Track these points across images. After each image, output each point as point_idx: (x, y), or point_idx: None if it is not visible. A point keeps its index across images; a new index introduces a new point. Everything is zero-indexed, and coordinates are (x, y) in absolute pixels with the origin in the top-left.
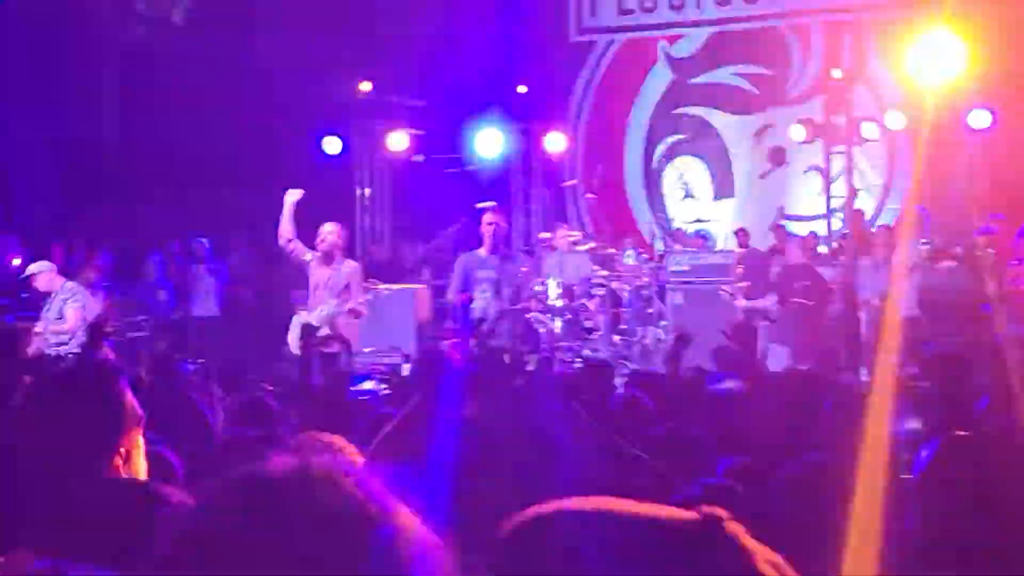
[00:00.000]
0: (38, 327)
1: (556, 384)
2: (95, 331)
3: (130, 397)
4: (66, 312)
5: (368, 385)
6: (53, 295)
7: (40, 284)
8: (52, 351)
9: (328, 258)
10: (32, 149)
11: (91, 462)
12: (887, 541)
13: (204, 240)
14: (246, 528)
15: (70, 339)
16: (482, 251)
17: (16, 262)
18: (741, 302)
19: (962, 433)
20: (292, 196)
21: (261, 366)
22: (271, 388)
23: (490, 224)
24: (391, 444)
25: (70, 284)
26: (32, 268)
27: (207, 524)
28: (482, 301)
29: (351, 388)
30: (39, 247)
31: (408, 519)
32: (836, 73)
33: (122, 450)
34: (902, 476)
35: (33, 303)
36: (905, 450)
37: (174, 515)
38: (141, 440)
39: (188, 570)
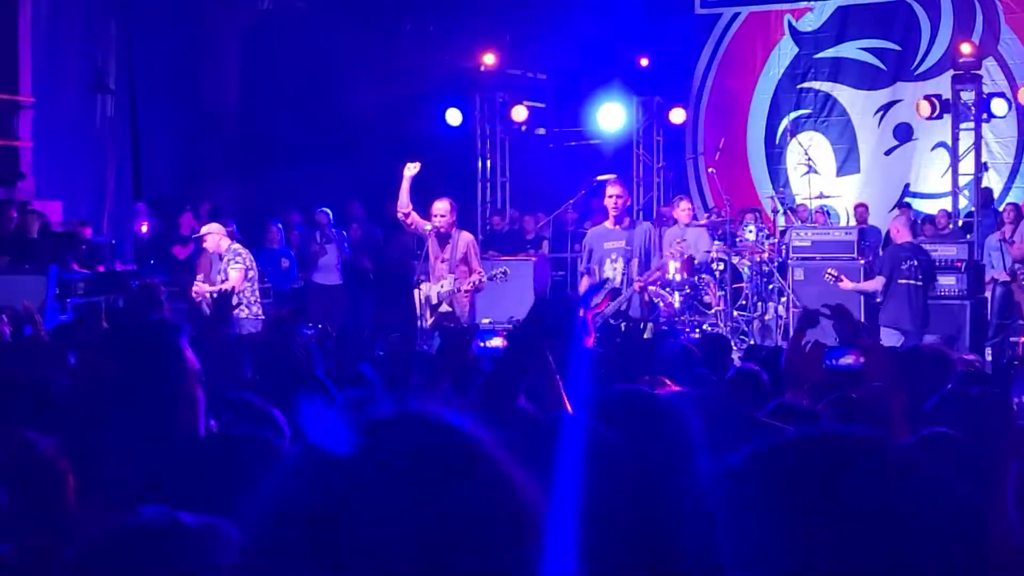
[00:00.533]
0: (199, 287)
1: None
2: (223, 302)
3: (190, 354)
4: (229, 272)
5: (496, 342)
6: (221, 257)
7: (209, 244)
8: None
9: (443, 237)
10: (159, 120)
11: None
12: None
13: (327, 210)
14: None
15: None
16: (608, 223)
17: (144, 229)
18: (845, 284)
19: None
20: (411, 170)
21: (379, 334)
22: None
23: (611, 196)
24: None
25: (235, 246)
26: (204, 229)
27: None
28: (612, 271)
29: (480, 343)
30: (167, 215)
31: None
32: (965, 48)
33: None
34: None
35: (161, 268)
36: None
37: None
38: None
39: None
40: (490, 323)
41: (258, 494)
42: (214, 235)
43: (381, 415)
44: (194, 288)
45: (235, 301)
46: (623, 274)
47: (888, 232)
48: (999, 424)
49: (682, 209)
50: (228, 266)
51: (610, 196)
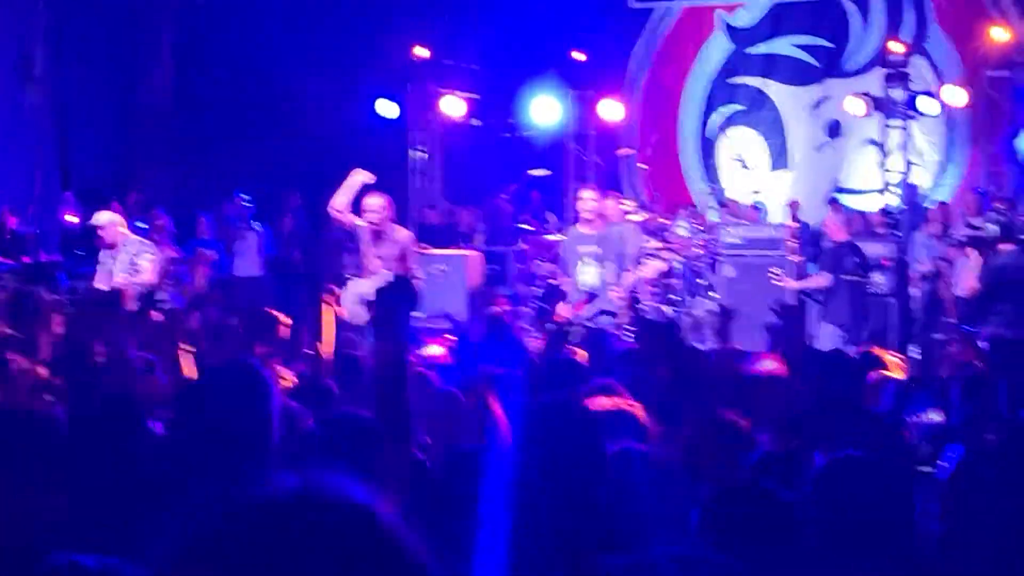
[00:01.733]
0: (108, 280)
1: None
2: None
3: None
4: (141, 264)
5: (435, 350)
6: (118, 248)
7: (106, 236)
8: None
9: (378, 234)
10: (88, 108)
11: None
12: (911, 540)
13: (246, 198)
14: None
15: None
16: (580, 226)
17: (72, 219)
18: (789, 283)
19: (990, 437)
20: (360, 177)
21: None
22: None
23: (583, 200)
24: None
25: (135, 237)
26: (100, 218)
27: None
28: (584, 275)
29: (416, 351)
30: (95, 205)
31: None
32: (895, 46)
33: None
34: (922, 470)
35: (88, 260)
36: (928, 442)
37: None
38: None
39: None
40: (424, 317)
41: (166, 535)
42: (112, 226)
43: (277, 494)
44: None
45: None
46: (598, 277)
47: (822, 228)
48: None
49: (609, 206)
50: (138, 258)
51: (583, 200)
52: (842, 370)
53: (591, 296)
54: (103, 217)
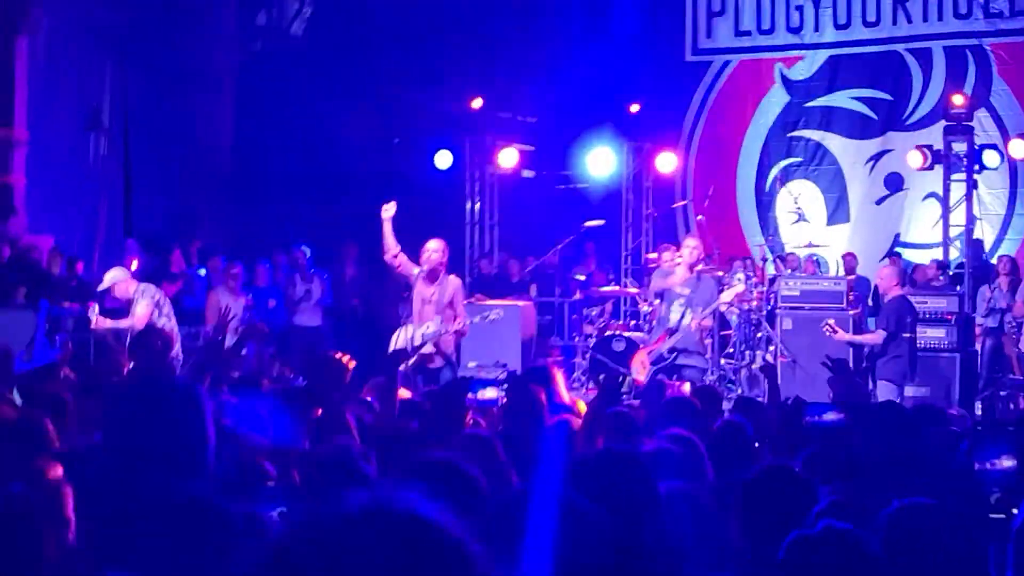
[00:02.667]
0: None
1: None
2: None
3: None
4: (135, 309)
5: (490, 393)
6: (135, 299)
7: (118, 293)
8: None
9: (432, 275)
10: (151, 158)
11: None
12: None
13: (306, 249)
14: None
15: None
16: (681, 270)
17: (134, 266)
18: (842, 336)
19: None
20: (387, 212)
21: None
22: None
23: (688, 248)
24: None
25: (143, 286)
26: (108, 278)
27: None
28: (677, 313)
29: (470, 395)
30: (157, 252)
31: None
32: (957, 99)
33: None
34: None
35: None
36: (1000, 489)
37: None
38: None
39: None
40: (476, 366)
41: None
42: (120, 283)
43: (350, 510)
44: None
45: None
46: (679, 319)
47: (876, 283)
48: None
49: (665, 259)
50: (136, 305)
51: (687, 246)
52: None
53: (670, 332)
54: (108, 277)
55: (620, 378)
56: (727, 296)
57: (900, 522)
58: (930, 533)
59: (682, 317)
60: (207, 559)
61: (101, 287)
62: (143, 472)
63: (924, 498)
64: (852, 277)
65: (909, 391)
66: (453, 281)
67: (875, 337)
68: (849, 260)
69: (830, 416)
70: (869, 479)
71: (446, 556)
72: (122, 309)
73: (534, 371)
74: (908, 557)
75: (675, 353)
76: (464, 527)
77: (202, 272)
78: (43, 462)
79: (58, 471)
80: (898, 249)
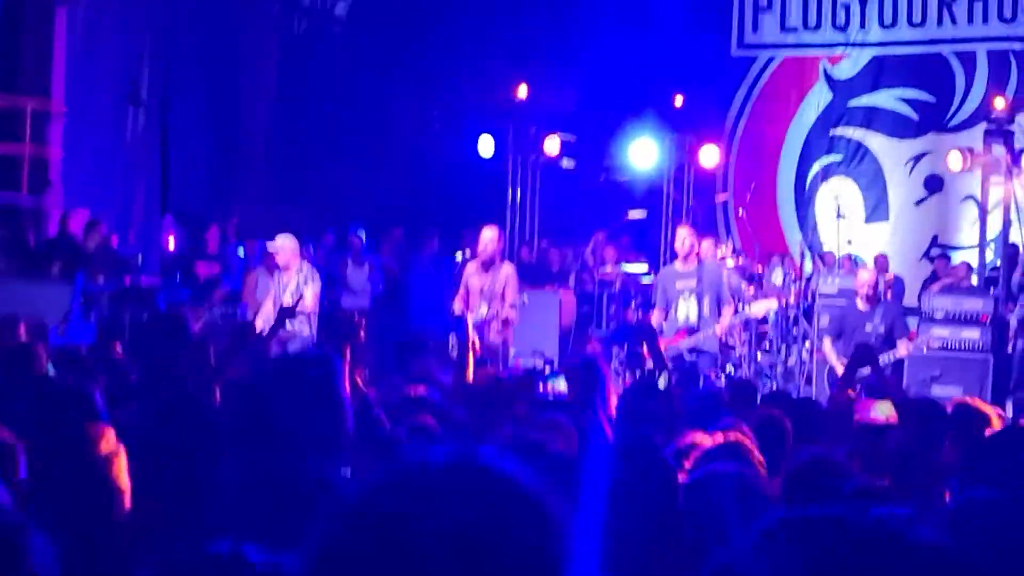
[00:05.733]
0: (272, 300)
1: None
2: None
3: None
4: (306, 292)
5: (561, 384)
6: (291, 273)
7: (280, 258)
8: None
9: (487, 264)
10: (191, 134)
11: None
12: None
13: (362, 233)
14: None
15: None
16: (678, 263)
17: (171, 243)
18: (886, 357)
19: None
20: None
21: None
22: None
23: (680, 239)
24: None
25: (307, 265)
26: (277, 240)
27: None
28: (685, 310)
29: (542, 388)
30: (194, 230)
31: None
32: (999, 103)
33: None
34: None
35: (186, 284)
36: None
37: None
38: None
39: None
40: (515, 354)
41: (316, 532)
42: (287, 250)
43: (434, 460)
44: (259, 322)
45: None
46: (697, 312)
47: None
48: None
49: (705, 249)
50: (305, 287)
51: (679, 237)
52: (944, 417)
53: (690, 330)
54: (280, 239)
55: (658, 372)
56: (758, 309)
57: (968, 514)
58: (1000, 527)
59: (699, 310)
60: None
61: (271, 245)
62: (281, 451)
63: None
64: (890, 276)
65: (938, 390)
66: (507, 268)
67: (899, 351)
68: (881, 261)
69: (879, 412)
70: (913, 474)
71: (526, 511)
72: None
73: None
74: (974, 553)
75: (695, 354)
76: (543, 483)
77: (240, 252)
78: (93, 430)
79: (110, 440)
80: (936, 250)
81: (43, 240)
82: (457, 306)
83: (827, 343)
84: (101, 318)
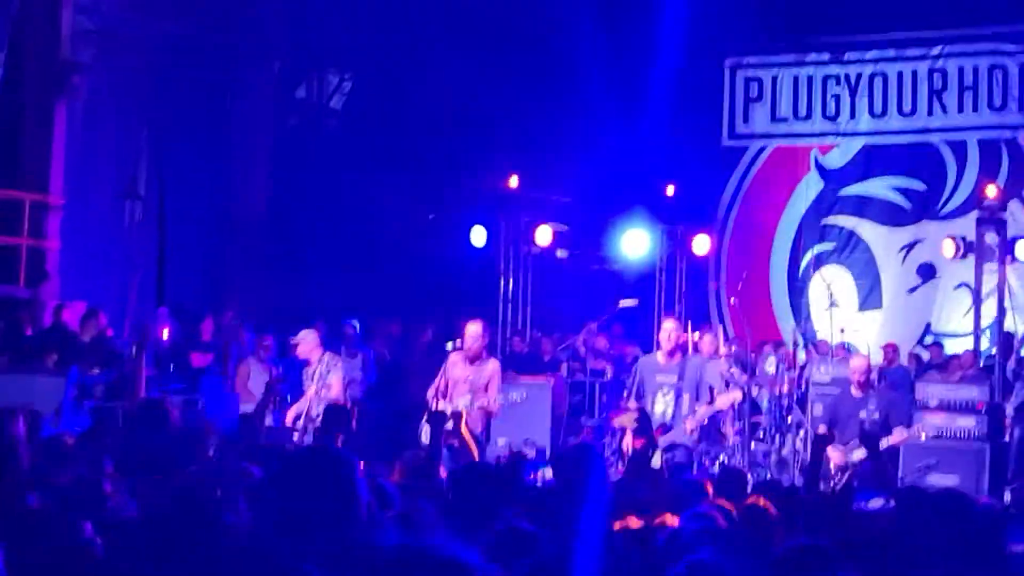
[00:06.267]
0: (309, 392)
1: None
2: (340, 414)
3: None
4: (330, 380)
5: (550, 474)
6: (312, 364)
7: (302, 351)
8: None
9: (473, 359)
10: (186, 227)
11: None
12: None
13: (355, 323)
14: None
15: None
16: (660, 355)
17: (165, 335)
18: (885, 441)
19: None
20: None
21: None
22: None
23: (666, 331)
24: None
25: (328, 355)
26: (300, 335)
27: None
28: (662, 405)
29: (528, 476)
30: (189, 322)
31: None
32: (990, 191)
33: None
34: None
35: (180, 375)
36: None
37: None
38: None
39: None
40: (505, 443)
41: None
42: (308, 342)
43: (383, 546)
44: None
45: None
46: (674, 408)
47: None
48: None
49: (706, 342)
50: (329, 375)
51: (665, 330)
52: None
53: (665, 428)
54: (302, 333)
55: (651, 451)
56: (723, 403)
57: None
58: None
59: (676, 408)
60: None
61: (294, 340)
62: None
63: None
64: (890, 366)
65: (935, 479)
66: (492, 364)
67: (900, 436)
68: (889, 351)
69: (877, 502)
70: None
71: None
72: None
73: (581, 449)
74: None
75: (672, 450)
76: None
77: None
78: None
79: None
80: (929, 337)
81: (38, 331)
82: (430, 394)
83: (822, 430)
84: (94, 409)
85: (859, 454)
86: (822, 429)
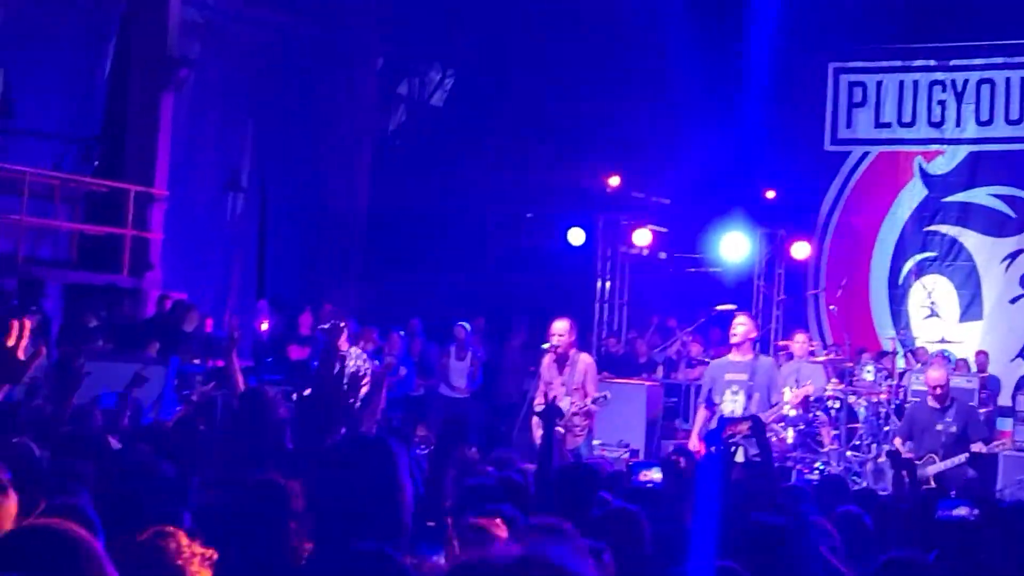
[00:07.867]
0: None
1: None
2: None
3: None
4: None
5: (655, 474)
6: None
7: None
8: None
9: (561, 359)
10: (286, 221)
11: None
12: None
13: (466, 325)
14: None
15: None
16: (732, 354)
17: (264, 326)
18: (978, 447)
19: None
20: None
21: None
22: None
23: (738, 327)
24: None
25: (355, 349)
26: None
27: None
28: (732, 404)
29: (635, 478)
30: (287, 314)
31: None
32: None
33: None
34: None
35: (278, 367)
36: None
37: None
38: None
39: None
40: (600, 445)
41: None
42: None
43: (501, 559)
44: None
45: None
46: (744, 408)
47: None
48: None
49: (798, 343)
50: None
51: (737, 327)
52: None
53: (731, 421)
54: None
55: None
56: (790, 397)
57: None
58: None
59: (746, 408)
60: None
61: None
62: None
63: None
64: (984, 375)
65: None
66: (584, 359)
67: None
68: (981, 359)
69: (961, 511)
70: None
71: None
72: None
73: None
74: None
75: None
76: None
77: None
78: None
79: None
80: None
81: (141, 321)
82: (538, 401)
83: (897, 443)
84: (192, 397)
85: (932, 469)
86: (897, 442)
